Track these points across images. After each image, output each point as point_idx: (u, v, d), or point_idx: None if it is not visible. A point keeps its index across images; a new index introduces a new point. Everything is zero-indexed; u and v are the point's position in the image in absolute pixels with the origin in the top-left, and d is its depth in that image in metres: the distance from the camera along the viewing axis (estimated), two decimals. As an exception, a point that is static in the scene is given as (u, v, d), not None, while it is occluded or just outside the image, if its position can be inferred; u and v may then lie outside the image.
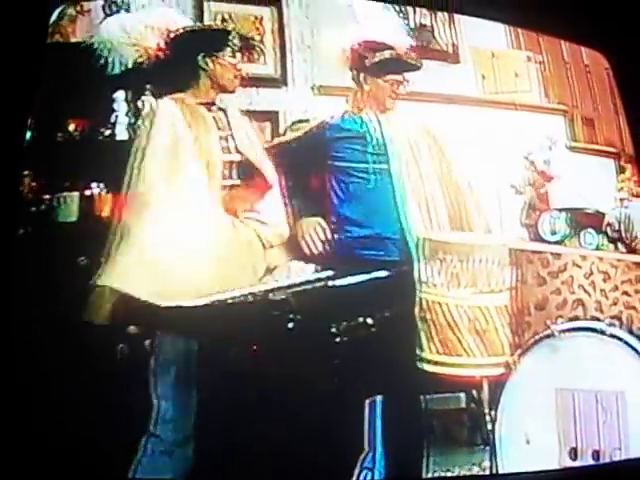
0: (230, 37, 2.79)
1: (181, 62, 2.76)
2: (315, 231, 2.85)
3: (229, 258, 2.71)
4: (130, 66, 2.71)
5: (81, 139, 2.76)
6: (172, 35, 2.74)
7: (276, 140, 2.91)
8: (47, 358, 2.43)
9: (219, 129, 2.79)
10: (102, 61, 2.69)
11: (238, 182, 2.79)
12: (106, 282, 2.56)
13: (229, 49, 2.79)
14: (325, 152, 2.89)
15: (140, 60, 2.72)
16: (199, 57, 2.76)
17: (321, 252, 2.85)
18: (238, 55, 2.80)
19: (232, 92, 2.82)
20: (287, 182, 2.87)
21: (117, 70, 2.71)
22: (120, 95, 2.78)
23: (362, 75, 2.89)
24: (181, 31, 2.75)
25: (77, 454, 2.37)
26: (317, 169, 2.90)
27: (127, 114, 2.79)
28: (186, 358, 2.64)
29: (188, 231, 2.65)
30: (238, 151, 2.80)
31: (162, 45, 2.74)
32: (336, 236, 2.86)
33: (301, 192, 2.89)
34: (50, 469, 2.34)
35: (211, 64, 2.77)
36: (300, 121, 2.90)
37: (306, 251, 2.84)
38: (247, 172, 2.81)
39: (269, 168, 2.83)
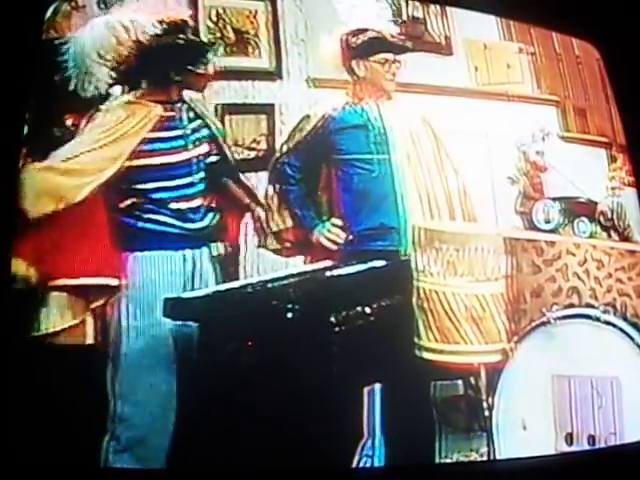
0: (207, 51, 2.79)
1: (153, 71, 2.74)
2: (331, 234, 2.89)
3: None
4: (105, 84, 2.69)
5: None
6: (148, 40, 2.68)
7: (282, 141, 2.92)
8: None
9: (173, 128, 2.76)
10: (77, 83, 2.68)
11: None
12: None
13: (204, 61, 2.77)
14: (329, 145, 2.92)
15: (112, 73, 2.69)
16: (171, 72, 2.75)
17: (332, 251, 2.89)
18: (210, 66, 2.79)
19: (200, 91, 2.81)
20: (296, 182, 2.91)
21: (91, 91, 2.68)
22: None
23: (354, 62, 2.92)
24: (157, 41, 2.69)
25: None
26: (323, 164, 2.94)
27: (124, 108, 2.79)
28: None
29: None
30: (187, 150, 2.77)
31: (135, 50, 2.68)
32: (345, 231, 2.90)
33: (309, 191, 2.93)
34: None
35: (185, 76, 2.76)
36: (302, 118, 2.91)
37: (320, 254, 2.88)
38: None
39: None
